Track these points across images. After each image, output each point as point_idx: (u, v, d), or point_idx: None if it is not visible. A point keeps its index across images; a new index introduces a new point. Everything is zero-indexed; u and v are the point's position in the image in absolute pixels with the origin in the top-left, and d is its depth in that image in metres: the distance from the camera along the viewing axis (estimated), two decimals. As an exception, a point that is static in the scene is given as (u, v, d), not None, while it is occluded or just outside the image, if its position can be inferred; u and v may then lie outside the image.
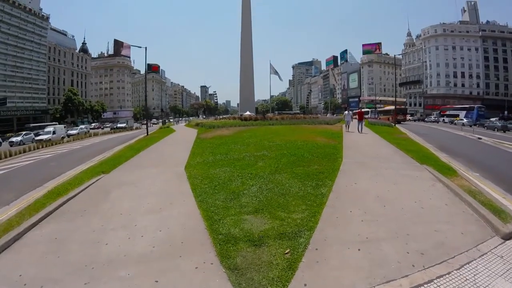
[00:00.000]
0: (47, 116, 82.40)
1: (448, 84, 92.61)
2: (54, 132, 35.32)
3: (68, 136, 39.53)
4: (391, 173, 8.92)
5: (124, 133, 42.05)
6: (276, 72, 54.94)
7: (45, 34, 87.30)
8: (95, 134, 41.14)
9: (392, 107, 52.43)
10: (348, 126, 23.05)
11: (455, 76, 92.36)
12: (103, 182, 9.43)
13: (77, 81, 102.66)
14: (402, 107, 66.04)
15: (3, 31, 72.41)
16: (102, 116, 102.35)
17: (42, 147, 25.40)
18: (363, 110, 30.26)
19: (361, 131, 21.63)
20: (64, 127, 48.73)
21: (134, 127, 64.73)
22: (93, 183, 9.30)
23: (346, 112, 26.60)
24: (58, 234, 5.62)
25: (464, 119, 51.94)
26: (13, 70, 74.60)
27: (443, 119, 61.62)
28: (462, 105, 69.28)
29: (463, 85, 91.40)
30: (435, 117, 68.94)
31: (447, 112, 66.01)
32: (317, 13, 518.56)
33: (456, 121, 52.24)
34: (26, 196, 9.00)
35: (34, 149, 23.92)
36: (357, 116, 24.15)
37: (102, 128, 68.51)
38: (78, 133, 42.15)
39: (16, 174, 13.77)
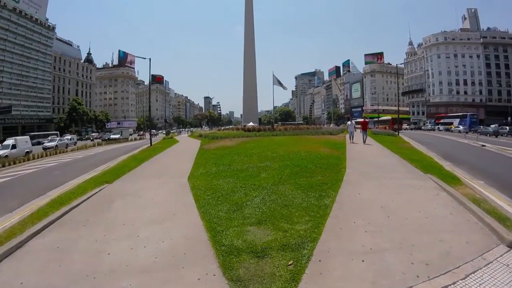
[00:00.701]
0: (51, 125, 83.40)
1: (450, 92, 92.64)
2: (14, 146, 26.83)
3: (44, 149, 33.56)
4: (395, 183, 8.88)
5: (115, 146, 37.05)
6: (279, 83, 55.04)
7: (51, 44, 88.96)
8: (82, 148, 34.14)
9: (389, 117, 59.16)
10: (352, 137, 22.00)
11: (457, 83, 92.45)
12: (106, 192, 9.48)
13: (82, 91, 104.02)
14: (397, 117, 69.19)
15: (10, 40, 73.93)
16: (106, 126, 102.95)
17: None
18: (367, 119, 28.35)
19: (365, 141, 21.02)
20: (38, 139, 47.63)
21: (131, 138, 59.28)
22: (96, 192, 9.35)
23: (349, 122, 25.28)
24: (61, 243, 5.64)
25: (460, 126, 56.08)
26: (19, 78, 75.97)
27: (438, 127, 64.69)
28: (465, 111, 71.82)
29: (465, 92, 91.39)
30: (431, 125, 70.76)
31: (442, 120, 69.41)
32: (319, 24, 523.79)
33: (452, 129, 55.90)
34: (29, 204, 9.04)
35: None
36: (360, 126, 23.34)
37: (92, 140, 59.92)
38: (56, 146, 36.20)
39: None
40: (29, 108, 78.34)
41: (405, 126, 58.14)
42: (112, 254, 5.02)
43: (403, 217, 6.11)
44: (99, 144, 40.64)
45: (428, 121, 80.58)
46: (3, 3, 71.63)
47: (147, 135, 73.82)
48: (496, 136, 38.08)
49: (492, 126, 46.89)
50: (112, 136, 58.31)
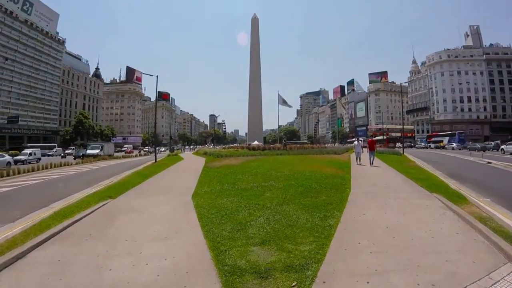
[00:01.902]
0: (57, 137, 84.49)
1: (455, 109, 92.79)
2: (102, 148, 31.66)
3: None
4: (400, 203, 8.82)
5: (86, 167, 27.57)
6: (284, 102, 55.62)
7: (60, 57, 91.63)
8: (44, 168, 24.97)
9: (384, 137, 66.44)
10: (359, 158, 20.37)
11: (461, 101, 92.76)
12: (109, 207, 9.50)
13: (89, 105, 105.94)
14: (392, 136, 77.68)
15: (20, 51, 76.32)
16: (112, 141, 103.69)
17: None
18: (374, 138, 26.41)
19: (373, 163, 19.61)
20: None
21: (119, 154, 51.56)
22: (99, 207, 9.36)
23: (356, 142, 23.35)
24: (62, 256, 5.62)
25: (453, 143, 61.47)
26: (27, 89, 77.97)
27: (429, 145, 70.82)
28: (470, 129, 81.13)
29: (470, 109, 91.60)
30: (425, 144, 75.32)
31: (433, 139, 75.36)
32: (324, 43, 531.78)
33: (446, 146, 61.27)
34: (32, 215, 9.08)
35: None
36: (367, 146, 21.93)
37: (64, 157, 49.94)
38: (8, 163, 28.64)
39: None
40: (36, 119, 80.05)
41: (398, 144, 59.61)
42: (113, 270, 4.98)
43: (408, 238, 6.03)
44: (65, 165, 28.42)
45: (419, 140, 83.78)
46: (15, 15, 74.51)
47: (142, 150, 73.76)
48: (484, 151, 42.97)
49: (487, 143, 53.20)
50: (89, 152, 44.33)
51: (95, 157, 39.75)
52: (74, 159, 40.74)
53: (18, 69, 75.00)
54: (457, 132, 72.09)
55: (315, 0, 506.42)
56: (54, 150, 60.34)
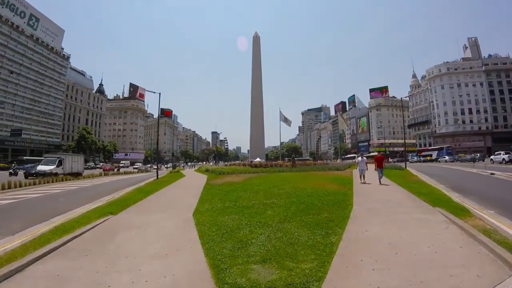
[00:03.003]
0: (59, 152, 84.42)
1: (456, 122, 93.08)
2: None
3: None
4: (403, 218, 8.76)
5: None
6: (285, 119, 55.92)
7: (65, 72, 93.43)
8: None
9: (375, 153, 63.17)
10: (363, 176, 18.34)
11: (462, 113, 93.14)
12: (110, 223, 9.48)
13: (92, 120, 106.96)
14: (382, 153, 77.53)
15: (25, 65, 77.85)
16: (114, 157, 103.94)
17: None
18: (381, 154, 21.98)
19: (380, 180, 17.71)
20: None
21: (88, 173, 38.80)
22: (100, 223, 9.33)
23: (360, 158, 20.34)
24: (61, 271, 5.58)
25: (446, 157, 65.21)
26: (31, 103, 79.09)
27: (420, 158, 75.46)
28: (472, 140, 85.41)
29: (471, 121, 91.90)
30: (417, 158, 79.36)
31: (423, 153, 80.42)
32: (324, 60, 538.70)
33: (440, 159, 65.60)
34: (32, 228, 9.06)
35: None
36: (374, 163, 19.81)
37: (13, 172, 36.71)
38: None
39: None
40: (39, 133, 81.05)
41: (390, 160, 61.41)
42: (112, 287, 4.93)
43: (411, 253, 5.96)
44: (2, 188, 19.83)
45: (410, 155, 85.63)
46: (21, 29, 76.44)
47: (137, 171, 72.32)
48: (474, 162, 46.95)
49: (469, 155, 60.41)
50: (40, 169, 31.64)
51: (45, 176, 28.61)
52: (26, 177, 30.07)
53: (23, 83, 76.48)
54: (445, 146, 78.25)
55: (315, 17, 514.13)
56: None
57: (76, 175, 34.31)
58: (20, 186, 21.30)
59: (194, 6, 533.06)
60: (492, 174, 22.74)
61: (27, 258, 5.98)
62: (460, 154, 70.02)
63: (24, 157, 59.46)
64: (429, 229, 7.53)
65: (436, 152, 75.12)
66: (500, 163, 42.12)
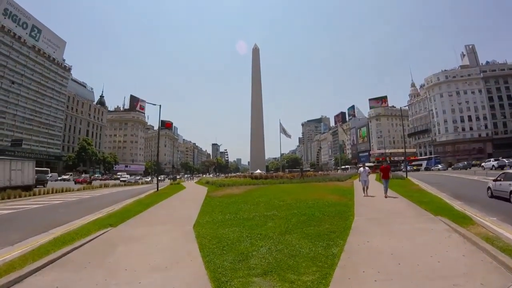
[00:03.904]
0: (60, 163, 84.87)
1: (456, 129, 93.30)
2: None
3: None
4: (405, 228, 8.72)
5: None
6: (284, 131, 56.05)
7: (66, 84, 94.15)
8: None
9: (371, 164, 72.12)
10: (366, 188, 16.98)
11: (462, 120, 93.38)
12: (110, 235, 9.42)
13: (92, 132, 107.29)
14: (376, 164, 79.57)
15: (27, 76, 78.35)
16: (114, 168, 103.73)
17: None
18: (388, 164, 18.75)
19: (386, 193, 16.00)
20: None
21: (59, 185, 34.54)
22: (99, 235, 9.28)
23: (361, 168, 18.10)
24: (60, 283, 5.53)
25: (439, 166, 67.36)
26: (32, 114, 79.38)
27: (412, 168, 75.79)
28: (472, 147, 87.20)
29: (471, 128, 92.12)
30: (409, 167, 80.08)
31: (413, 163, 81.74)
32: (323, 70, 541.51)
33: (433, 168, 68.09)
34: (31, 239, 9.04)
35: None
36: (380, 174, 18.43)
37: None
38: None
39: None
40: (39, 143, 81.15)
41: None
42: None
43: (414, 263, 5.90)
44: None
45: (402, 164, 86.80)
46: (23, 40, 77.21)
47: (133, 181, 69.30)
48: (466, 169, 51.52)
49: (461, 163, 64.47)
50: None
51: None
52: None
53: (24, 93, 76.99)
54: (433, 156, 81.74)
55: (314, 28, 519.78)
56: (50, 175, 57.86)
57: (24, 189, 25.91)
58: (20, 196, 21.63)
59: (196, 20, 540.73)
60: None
61: (26, 269, 5.97)
62: (449, 162, 77.26)
63: None
64: (432, 239, 7.49)
65: (426, 161, 77.75)
66: (491, 169, 44.91)
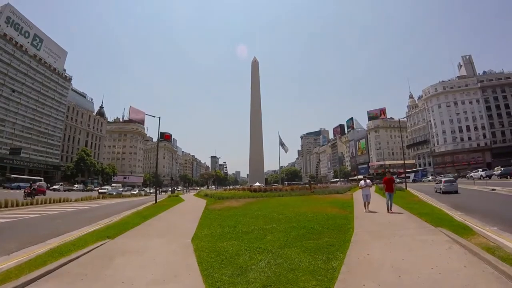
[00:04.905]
0: (58, 173, 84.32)
1: (455, 139, 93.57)
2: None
3: None
4: (405, 240, 8.64)
5: None
6: (282, 144, 56.08)
7: (66, 93, 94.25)
8: None
9: (361, 176, 72.83)
10: (368, 203, 15.40)
11: (460, 131, 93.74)
12: (107, 247, 9.30)
13: (91, 143, 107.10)
14: (392, 175, 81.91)
15: (27, 85, 78.27)
16: (112, 179, 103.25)
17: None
18: (392, 176, 17.17)
19: (391, 208, 14.74)
20: None
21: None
22: (97, 247, 9.16)
23: (363, 181, 16.51)
24: None
25: (430, 177, 71.27)
26: (31, 122, 79.20)
27: (400, 180, 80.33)
28: (471, 157, 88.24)
29: (469, 138, 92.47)
30: (399, 179, 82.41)
31: (401, 176, 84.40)
32: (322, 83, 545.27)
33: (424, 179, 71.83)
34: (28, 249, 8.96)
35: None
36: (383, 186, 16.46)
37: None
38: None
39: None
40: (38, 152, 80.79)
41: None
42: None
43: (415, 276, 5.83)
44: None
45: (396, 176, 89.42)
46: (24, 49, 77.54)
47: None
48: (456, 179, 55.06)
49: (452, 174, 64.02)
50: None
51: None
52: None
53: (24, 102, 77.01)
54: (420, 169, 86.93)
55: (312, 42, 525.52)
56: (37, 184, 52.71)
57: None
58: (17, 205, 21.32)
59: (198, 31, 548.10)
60: (493, 190, 22.71)
61: (21, 280, 5.90)
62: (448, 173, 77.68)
63: (12, 175, 57.59)
64: (432, 250, 7.42)
65: (413, 174, 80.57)
66: (479, 179, 48.74)
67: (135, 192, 61.17)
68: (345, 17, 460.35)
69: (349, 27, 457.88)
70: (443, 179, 28.97)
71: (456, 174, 67.66)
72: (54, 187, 58.58)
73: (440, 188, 27.29)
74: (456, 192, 25.65)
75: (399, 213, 14.08)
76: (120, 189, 63.03)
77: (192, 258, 7.91)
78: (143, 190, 75.13)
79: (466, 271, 5.86)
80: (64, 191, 56.13)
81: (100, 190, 55.52)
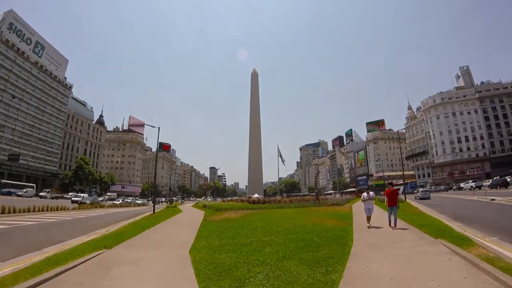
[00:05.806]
0: (56, 180, 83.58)
1: (453, 150, 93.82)
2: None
3: None
4: (404, 252, 8.58)
5: None
6: (280, 156, 56.20)
7: (66, 101, 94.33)
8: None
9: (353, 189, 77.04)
10: (370, 217, 14.16)
11: (459, 141, 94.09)
12: (104, 257, 9.20)
13: (90, 151, 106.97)
14: (360, 188, 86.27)
15: (28, 91, 78.22)
16: (111, 189, 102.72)
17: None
18: (394, 188, 15.06)
19: (396, 224, 13.08)
20: None
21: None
22: (94, 256, 9.06)
23: (365, 194, 14.93)
24: None
25: (420, 188, 69.83)
26: (31, 129, 79.00)
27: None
28: (470, 168, 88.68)
29: (468, 148, 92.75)
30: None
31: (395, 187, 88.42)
32: (320, 95, 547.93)
33: (415, 191, 72.51)
34: (24, 257, 8.86)
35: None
36: (385, 200, 14.81)
37: None
38: None
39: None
40: (36, 159, 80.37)
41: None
42: None
43: (415, 288, 5.77)
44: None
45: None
46: (26, 55, 77.80)
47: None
48: (447, 191, 58.55)
49: (443, 185, 73.35)
50: None
51: None
52: None
53: (24, 109, 77.06)
54: (409, 182, 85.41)
55: (310, 53, 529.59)
56: (25, 190, 53.61)
57: None
58: (14, 212, 21.24)
59: (198, 42, 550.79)
60: (492, 200, 22.70)
61: None
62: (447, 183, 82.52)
63: (2, 181, 56.52)
64: (432, 262, 7.35)
65: (403, 186, 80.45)
66: (470, 189, 51.45)
67: (118, 202, 56.34)
68: (345, 29, 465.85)
69: (349, 39, 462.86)
70: (420, 190, 39.38)
71: (446, 186, 75.57)
72: (41, 194, 56.32)
73: (418, 196, 39.97)
74: (428, 198, 36.97)
75: (404, 228, 12.73)
76: (102, 198, 60.05)
77: (190, 270, 7.81)
78: (135, 200, 73.44)
79: (466, 282, 5.79)
80: (52, 198, 52.85)
81: (73, 199, 48.95)
